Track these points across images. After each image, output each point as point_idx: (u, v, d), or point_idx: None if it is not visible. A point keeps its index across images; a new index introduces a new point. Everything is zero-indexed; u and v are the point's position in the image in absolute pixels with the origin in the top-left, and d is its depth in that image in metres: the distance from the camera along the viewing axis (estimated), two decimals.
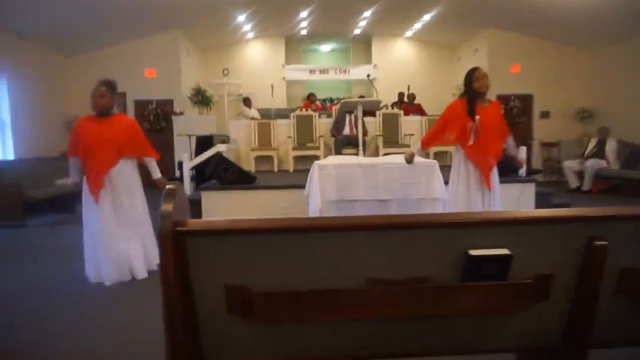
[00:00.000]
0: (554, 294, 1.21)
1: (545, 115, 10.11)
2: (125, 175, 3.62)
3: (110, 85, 3.62)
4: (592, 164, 8.10)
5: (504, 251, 1.16)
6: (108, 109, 3.61)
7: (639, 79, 8.42)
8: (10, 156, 7.52)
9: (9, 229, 5.69)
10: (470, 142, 3.44)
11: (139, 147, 3.72)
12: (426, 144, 3.79)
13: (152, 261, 3.70)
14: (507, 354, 1.50)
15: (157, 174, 3.85)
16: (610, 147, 8.22)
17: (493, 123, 3.47)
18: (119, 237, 3.54)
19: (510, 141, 3.69)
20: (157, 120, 9.46)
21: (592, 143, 8.52)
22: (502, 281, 1.17)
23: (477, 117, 3.44)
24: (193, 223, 1.13)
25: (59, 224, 6.11)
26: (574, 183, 8.36)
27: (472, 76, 3.49)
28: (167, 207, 1.10)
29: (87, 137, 3.52)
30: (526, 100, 9.96)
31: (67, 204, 6.68)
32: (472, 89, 3.48)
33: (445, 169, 4.03)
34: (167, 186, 1.16)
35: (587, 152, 8.48)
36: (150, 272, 3.67)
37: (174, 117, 9.22)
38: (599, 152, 8.24)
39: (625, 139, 8.36)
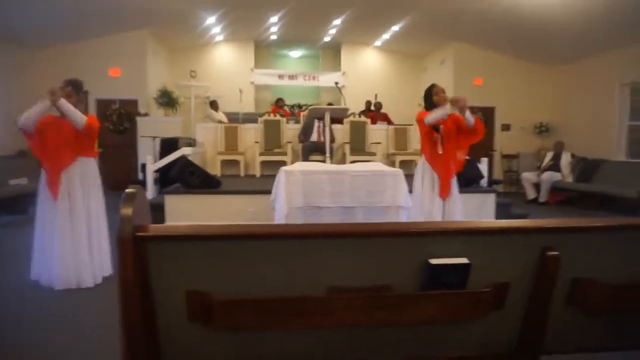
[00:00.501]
0: (510, 303, 1.25)
1: (505, 127, 10.48)
2: (84, 177, 3.50)
3: (76, 85, 3.53)
4: (548, 176, 8.44)
5: (463, 260, 1.19)
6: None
7: (593, 96, 8.89)
8: None
9: None
10: (439, 151, 3.62)
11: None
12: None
13: (105, 269, 3.59)
14: None
15: (66, 104, 3.30)
16: (565, 160, 8.61)
17: (454, 133, 3.67)
18: (73, 240, 3.42)
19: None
20: (120, 121, 9.19)
21: (548, 156, 8.89)
22: (461, 290, 1.20)
23: (442, 126, 3.62)
24: (154, 228, 1.10)
25: (12, 226, 5.83)
26: (531, 194, 8.69)
27: (431, 91, 3.75)
28: (126, 211, 1.07)
29: (49, 136, 3.40)
30: (488, 113, 10.30)
31: (20, 206, 6.37)
32: (432, 102, 3.71)
33: (410, 178, 4.11)
34: (128, 190, 1.12)
35: (543, 164, 8.84)
36: (103, 280, 3.55)
37: (138, 118, 8.99)
38: (555, 165, 8.61)
39: (579, 153, 8.79)
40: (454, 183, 3.75)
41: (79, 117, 3.35)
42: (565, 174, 8.49)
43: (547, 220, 1.27)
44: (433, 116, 3.55)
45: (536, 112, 10.23)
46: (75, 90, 3.50)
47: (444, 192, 3.67)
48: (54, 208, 3.39)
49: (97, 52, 9.13)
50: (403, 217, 4.03)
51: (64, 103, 3.31)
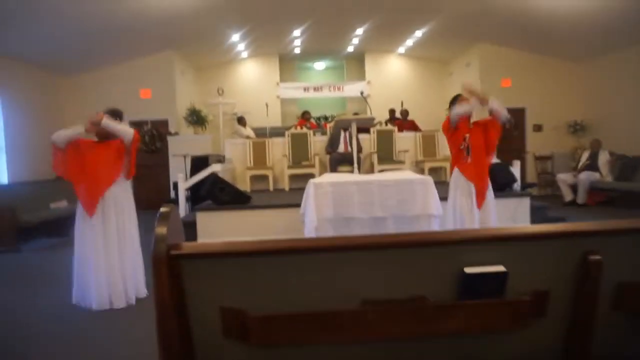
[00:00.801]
0: (552, 311, 1.21)
1: (537, 128, 10.21)
2: (118, 200, 3.61)
3: (114, 113, 3.71)
4: (585, 176, 8.14)
5: (500, 268, 1.16)
6: (105, 135, 3.64)
7: (629, 90, 8.55)
8: (4, 180, 7.48)
9: (2, 254, 5.63)
10: (468, 160, 3.55)
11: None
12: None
13: (139, 289, 3.67)
14: None
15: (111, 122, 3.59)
16: (603, 159, 8.29)
17: (481, 140, 3.59)
18: (109, 262, 3.51)
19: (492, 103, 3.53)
20: (152, 141, 9.46)
21: (585, 156, 8.59)
22: (499, 299, 1.17)
23: (467, 135, 3.57)
24: (187, 246, 1.12)
25: (54, 248, 6.05)
26: (568, 196, 8.39)
27: (457, 100, 3.70)
28: (161, 230, 1.09)
29: (83, 158, 3.54)
30: (518, 114, 10.06)
31: (61, 228, 6.62)
32: None
33: (440, 185, 4.05)
34: (162, 210, 1.15)
35: (580, 165, 8.54)
36: (137, 300, 3.63)
37: (169, 138, 9.23)
38: (592, 165, 8.30)
39: (618, 150, 8.45)
40: (490, 191, 3.69)
41: (127, 131, 3.61)
42: (604, 173, 8.17)
43: (587, 224, 1.22)
44: (457, 111, 3.50)
45: (569, 111, 9.92)
46: (113, 117, 3.65)
47: (480, 200, 3.61)
48: (91, 230, 3.50)
49: (128, 75, 9.48)
50: (435, 226, 3.96)
51: (107, 123, 3.52)
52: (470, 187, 3.64)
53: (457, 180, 3.70)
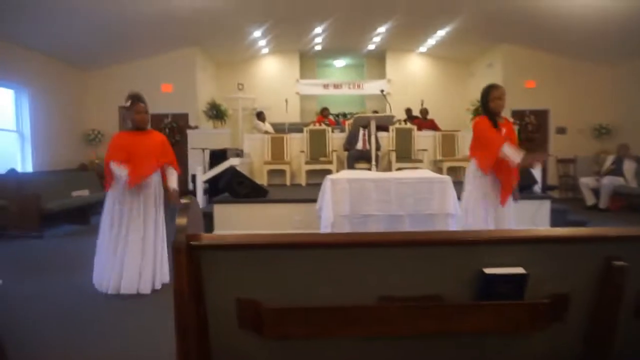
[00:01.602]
0: (571, 315, 1.19)
1: (561, 131, 10.01)
2: (155, 190, 3.71)
3: (142, 100, 3.76)
4: (609, 181, 7.96)
5: (520, 270, 1.14)
6: (147, 124, 3.73)
7: None
8: (29, 168, 7.68)
9: (26, 239, 5.79)
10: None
11: (170, 158, 3.84)
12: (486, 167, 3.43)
13: (159, 278, 3.71)
14: None
15: (175, 184, 3.85)
16: (628, 164, 8.08)
17: (512, 138, 3.43)
18: (135, 248, 3.57)
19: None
20: (172, 134, 9.59)
21: (609, 160, 8.39)
22: (518, 301, 1.15)
23: (504, 130, 3.39)
24: (207, 237, 1.14)
25: (74, 235, 6.19)
26: (590, 200, 8.22)
27: (489, 95, 3.39)
28: (181, 221, 1.11)
29: (128, 147, 3.60)
30: (541, 116, 9.88)
31: (82, 216, 6.78)
32: (488, 108, 3.40)
33: (458, 185, 3.99)
34: (182, 201, 1.17)
35: (603, 169, 8.35)
36: (157, 288, 3.68)
37: (188, 131, 9.34)
38: (617, 170, 8.10)
39: None
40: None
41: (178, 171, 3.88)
42: (629, 179, 7.95)
43: (610, 229, 1.20)
44: (507, 152, 3.23)
45: (594, 114, 9.70)
46: (146, 106, 3.73)
47: (506, 195, 3.38)
48: (128, 215, 3.56)
49: (150, 70, 9.62)
50: (452, 225, 3.92)
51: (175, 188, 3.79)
52: (487, 183, 3.39)
53: (474, 174, 3.44)
